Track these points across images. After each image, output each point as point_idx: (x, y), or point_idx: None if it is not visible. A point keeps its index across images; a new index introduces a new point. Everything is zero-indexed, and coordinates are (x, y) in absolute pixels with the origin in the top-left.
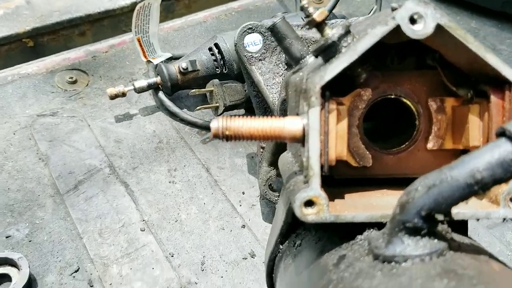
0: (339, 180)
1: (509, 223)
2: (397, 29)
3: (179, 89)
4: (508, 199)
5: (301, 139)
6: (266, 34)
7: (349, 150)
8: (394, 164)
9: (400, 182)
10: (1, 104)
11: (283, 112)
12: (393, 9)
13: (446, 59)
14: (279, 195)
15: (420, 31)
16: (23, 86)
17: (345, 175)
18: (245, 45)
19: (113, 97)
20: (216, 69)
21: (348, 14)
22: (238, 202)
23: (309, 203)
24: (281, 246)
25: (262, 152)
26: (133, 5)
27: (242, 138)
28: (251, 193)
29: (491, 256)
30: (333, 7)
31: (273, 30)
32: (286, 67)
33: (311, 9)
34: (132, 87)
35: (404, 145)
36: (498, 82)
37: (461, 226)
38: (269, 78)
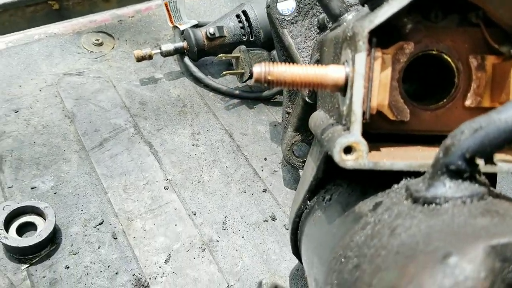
0: (374, 135)
1: None
2: None
3: (205, 55)
4: None
5: (343, 88)
6: None
7: (388, 103)
8: (431, 120)
9: (434, 140)
10: (28, 61)
11: None
12: None
13: (490, 16)
14: (302, 161)
15: None
16: (50, 45)
17: (381, 129)
18: (277, 8)
19: (139, 59)
20: (243, 36)
21: None
22: (260, 168)
23: (348, 150)
24: (308, 202)
25: (287, 117)
26: None
27: (284, 84)
28: (273, 160)
29: None
30: None
31: None
32: (318, 31)
33: None
34: (159, 51)
35: (441, 102)
36: None
37: (490, 181)
38: (300, 41)
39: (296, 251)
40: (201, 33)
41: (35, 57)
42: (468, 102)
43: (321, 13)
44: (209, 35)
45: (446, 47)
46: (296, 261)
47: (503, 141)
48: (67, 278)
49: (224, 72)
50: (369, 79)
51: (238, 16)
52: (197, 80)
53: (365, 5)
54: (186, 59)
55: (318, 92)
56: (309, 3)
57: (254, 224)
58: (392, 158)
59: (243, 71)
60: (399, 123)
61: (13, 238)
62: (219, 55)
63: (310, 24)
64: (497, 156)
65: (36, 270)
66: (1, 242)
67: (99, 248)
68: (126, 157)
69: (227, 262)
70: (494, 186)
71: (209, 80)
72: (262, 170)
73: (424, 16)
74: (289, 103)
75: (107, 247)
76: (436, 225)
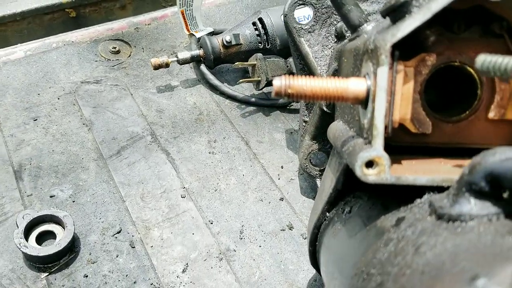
0: (395, 147)
1: None
2: None
3: (221, 63)
4: None
5: (364, 101)
6: (317, 5)
7: (410, 117)
8: (453, 133)
9: (456, 153)
10: (46, 69)
11: None
12: None
13: None
14: (319, 169)
15: None
16: (68, 53)
17: (403, 142)
18: (295, 17)
19: (156, 67)
20: (259, 44)
21: None
22: (277, 176)
23: (370, 164)
24: (327, 214)
25: (304, 126)
26: None
27: (305, 97)
28: (289, 168)
29: None
30: None
31: None
32: (336, 40)
33: None
34: (175, 59)
35: (464, 114)
36: None
37: None
38: (318, 50)
39: (314, 262)
40: (217, 40)
41: (53, 65)
42: (491, 114)
43: (338, 22)
44: (225, 42)
45: (469, 59)
46: (314, 271)
47: None
48: (86, 287)
49: (241, 80)
50: (391, 93)
51: (254, 23)
52: (213, 88)
53: (387, 17)
54: (203, 67)
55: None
56: (326, 12)
57: (271, 233)
58: (415, 172)
59: (259, 78)
60: (421, 136)
61: (32, 247)
62: (235, 63)
63: (328, 33)
64: None
65: (55, 279)
66: (21, 251)
67: (117, 257)
68: (144, 165)
69: (244, 272)
70: None
71: (225, 87)
72: (279, 179)
73: (446, 28)
74: (306, 112)
75: (125, 256)
76: (462, 244)
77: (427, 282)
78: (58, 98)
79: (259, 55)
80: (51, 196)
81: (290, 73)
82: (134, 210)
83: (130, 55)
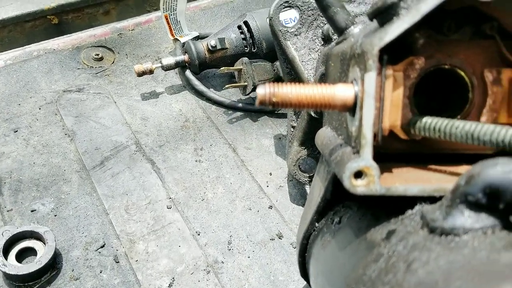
0: (385, 155)
1: None
2: None
3: (207, 68)
4: None
5: (352, 108)
6: (303, 8)
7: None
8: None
9: (447, 159)
10: (27, 79)
11: None
12: None
13: (506, 28)
14: (309, 176)
15: None
16: (49, 61)
17: (393, 149)
18: (280, 19)
19: (140, 74)
20: (245, 48)
21: None
22: (265, 183)
23: (359, 175)
24: (316, 224)
25: (292, 131)
26: None
27: (290, 105)
28: (278, 174)
29: None
30: None
31: None
32: (322, 43)
33: None
34: (160, 65)
35: (455, 119)
36: None
37: None
38: (305, 53)
39: (304, 273)
40: (202, 45)
41: (34, 74)
42: (483, 119)
43: (325, 24)
44: (210, 47)
45: (460, 61)
46: (304, 282)
47: None
48: None
49: (227, 86)
50: (380, 100)
51: (239, 27)
52: (199, 94)
53: (374, 20)
54: (188, 72)
55: None
56: (312, 14)
57: (260, 243)
58: (405, 181)
59: (246, 83)
60: (411, 143)
61: (12, 266)
62: (221, 68)
63: (314, 36)
64: None
65: None
66: (0, 270)
67: (101, 272)
68: (128, 176)
69: (233, 285)
70: None
71: (211, 93)
72: (268, 186)
73: (436, 30)
74: (294, 117)
75: (109, 271)
76: (456, 260)
77: None
78: (40, 108)
79: (245, 59)
80: (32, 211)
81: (277, 77)
82: (118, 223)
83: (113, 62)
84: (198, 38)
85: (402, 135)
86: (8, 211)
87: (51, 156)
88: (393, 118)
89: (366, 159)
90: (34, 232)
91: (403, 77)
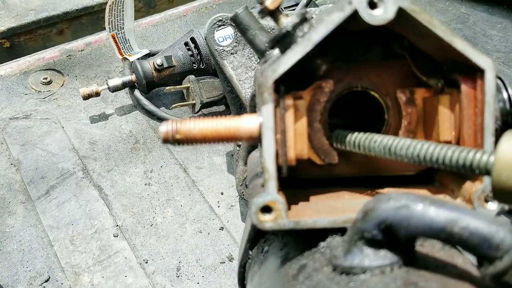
0: (305, 180)
1: None
2: (356, 15)
3: (155, 87)
4: (482, 198)
5: (259, 139)
6: (236, 28)
7: (313, 147)
8: (363, 162)
9: (372, 182)
10: None
11: (253, 109)
12: None
13: (415, 46)
14: None
15: (380, 16)
16: None
17: (310, 175)
18: (215, 38)
19: (86, 97)
20: (193, 65)
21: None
22: (217, 203)
23: (266, 209)
24: (250, 252)
25: (238, 150)
26: None
27: (195, 141)
28: (230, 193)
29: (464, 261)
30: None
31: (235, 21)
32: (259, 61)
33: None
34: (106, 86)
35: (374, 134)
36: (469, 70)
37: None
38: (242, 72)
39: None
40: (149, 64)
41: None
42: None
43: None
44: (156, 66)
45: (371, 83)
46: None
47: (421, 233)
48: None
49: (174, 105)
50: (282, 131)
51: (186, 43)
52: (150, 113)
53: (275, 48)
54: (137, 92)
55: None
56: None
57: (210, 267)
58: (317, 212)
59: (194, 101)
60: (328, 167)
61: None
62: (167, 88)
63: (251, 53)
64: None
65: None
66: None
67: None
68: (74, 205)
69: None
70: None
71: (161, 112)
72: (219, 206)
73: (344, 52)
74: None
75: None
76: None
77: None
78: None
79: (191, 77)
80: None
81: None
82: (63, 255)
83: (62, 85)
84: (149, 55)
85: (317, 160)
86: None
87: None
88: (299, 148)
89: (271, 194)
90: None
91: (312, 101)
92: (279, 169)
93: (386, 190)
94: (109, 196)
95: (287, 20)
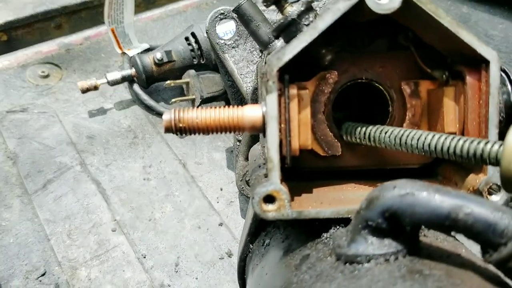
0: (308, 173)
1: None
2: (362, 4)
3: (155, 81)
4: (485, 190)
5: (262, 129)
6: (239, 19)
7: (316, 139)
8: (366, 154)
9: (375, 174)
10: None
11: (255, 102)
12: None
13: (420, 38)
14: None
15: (386, 5)
16: None
17: (314, 166)
18: (217, 32)
19: (84, 90)
20: (193, 60)
21: None
22: (216, 199)
23: (270, 199)
24: (251, 246)
25: (238, 145)
26: None
27: (198, 130)
28: (229, 189)
29: (467, 252)
30: None
31: (238, 12)
32: (260, 55)
33: None
34: (105, 80)
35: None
36: (474, 62)
37: None
38: (243, 66)
39: None
40: (148, 58)
41: None
42: None
43: None
44: (156, 60)
45: (376, 75)
46: None
47: (425, 221)
48: None
49: (174, 100)
50: (286, 121)
51: (187, 38)
52: (149, 108)
53: (279, 38)
54: (136, 87)
55: None
56: None
57: (209, 262)
58: (320, 203)
59: (193, 96)
60: (332, 159)
61: None
62: (167, 82)
63: (252, 47)
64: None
65: None
66: None
67: None
68: (71, 199)
69: None
70: None
71: (161, 107)
72: (218, 202)
73: (350, 43)
74: None
75: None
76: None
77: None
78: None
79: (192, 71)
80: None
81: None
82: (60, 249)
83: (60, 79)
84: (149, 50)
85: (321, 152)
86: None
87: None
88: (303, 137)
89: (274, 183)
90: None
91: (316, 92)
92: (282, 159)
93: None
94: (107, 190)
95: (292, 9)
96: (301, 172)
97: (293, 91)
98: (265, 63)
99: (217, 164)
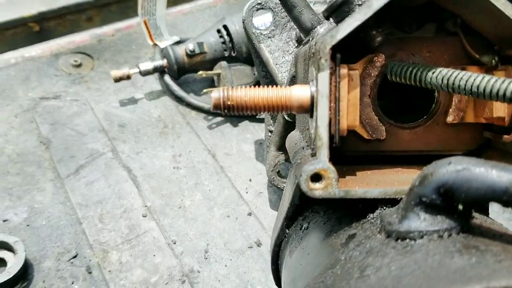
0: (350, 157)
1: None
2: None
3: (186, 73)
4: None
5: (309, 108)
6: (276, 9)
7: (361, 122)
8: (410, 139)
9: (416, 161)
10: (4, 86)
11: None
12: None
13: (469, 24)
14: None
15: None
16: (27, 69)
17: (357, 150)
18: (253, 22)
19: (117, 79)
20: (224, 52)
21: None
22: (245, 189)
23: (317, 178)
24: (287, 231)
25: (270, 136)
26: None
27: (246, 109)
28: (258, 180)
29: None
30: None
31: None
32: (296, 45)
33: None
34: (138, 70)
35: (421, 119)
36: None
37: (482, 208)
38: (279, 56)
39: (278, 281)
40: (180, 50)
41: (11, 82)
42: (450, 118)
43: None
44: (188, 52)
45: (423, 60)
46: None
47: (482, 197)
48: None
49: (205, 90)
50: (336, 99)
51: (219, 31)
52: (179, 99)
53: (330, 19)
54: (167, 78)
55: None
56: (286, 16)
57: (238, 251)
58: (367, 184)
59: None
60: (376, 143)
61: None
62: (198, 73)
63: (288, 38)
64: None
65: None
66: None
67: (72, 283)
68: (103, 184)
69: None
70: (486, 213)
71: (191, 98)
72: (247, 192)
73: (398, 27)
74: (271, 121)
75: (81, 282)
76: (407, 266)
77: None
78: (16, 116)
79: (224, 63)
80: (4, 221)
81: (258, 81)
82: (91, 233)
83: (92, 68)
84: (179, 42)
85: (365, 135)
86: None
87: (26, 165)
88: (351, 118)
89: (322, 162)
90: (4, 242)
91: (363, 75)
92: (330, 139)
93: None
94: (138, 177)
95: None
96: (344, 156)
97: (344, 70)
98: (315, 43)
99: (246, 156)
